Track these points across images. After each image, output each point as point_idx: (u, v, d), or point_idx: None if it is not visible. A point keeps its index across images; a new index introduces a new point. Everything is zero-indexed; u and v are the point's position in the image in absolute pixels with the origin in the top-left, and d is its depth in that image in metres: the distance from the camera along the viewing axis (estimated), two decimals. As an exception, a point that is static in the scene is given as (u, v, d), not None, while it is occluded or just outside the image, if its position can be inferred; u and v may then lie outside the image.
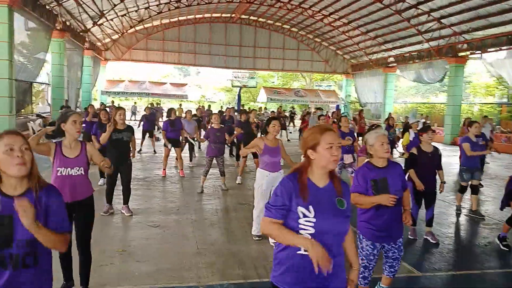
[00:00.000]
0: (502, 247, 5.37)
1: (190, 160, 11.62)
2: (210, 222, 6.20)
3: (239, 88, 32.44)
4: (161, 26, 28.75)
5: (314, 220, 1.99)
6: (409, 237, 5.63)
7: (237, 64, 30.99)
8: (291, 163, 5.34)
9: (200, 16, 29.04)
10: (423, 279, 4.42)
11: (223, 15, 29.21)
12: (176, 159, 10.25)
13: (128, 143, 6.32)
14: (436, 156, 5.37)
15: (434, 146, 5.43)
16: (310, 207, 2.00)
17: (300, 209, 2.01)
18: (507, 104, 21.41)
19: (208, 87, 50.73)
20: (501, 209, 5.53)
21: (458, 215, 7.08)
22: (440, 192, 5.57)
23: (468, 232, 6.43)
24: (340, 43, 29.60)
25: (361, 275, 3.40)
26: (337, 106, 30.19)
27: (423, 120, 11.98)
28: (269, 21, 29.98)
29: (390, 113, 18.05)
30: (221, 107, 29.10)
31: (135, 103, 33.67)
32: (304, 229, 1.99)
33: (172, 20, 28.56)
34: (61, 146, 3.61)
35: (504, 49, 18.01)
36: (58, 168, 3.56)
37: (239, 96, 28.86)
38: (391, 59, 26.28)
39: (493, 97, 26.62)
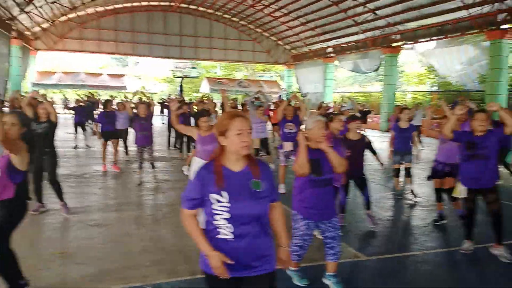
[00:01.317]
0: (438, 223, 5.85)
1: (126, 154, 11.24)
2: (154, 218, 6.00)
3: (180, 78, 31.79)
4: (96, 14, 27.31)
5: (228, 205, 2.06)
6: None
7: (178, 54, 30.27)
8: None
9: (138, 4, 27.97)
10: (369, 263, 4.55)
11: (162, 3, 28.34)
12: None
13: (46, 135, 5.89)
14: (362, 143, 5.55)
15: (362, 135, 5.61)
16: (224, 193, 2.06)
17: (213, 196, 2.08)
18: (437, 92, 22.79)
19: (148, 78, 49.23)
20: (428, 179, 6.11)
21: (398, 199, 7.40)
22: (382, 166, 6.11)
23: (408, 214, 6.71)
24: (281, 33, 29.85)
25: (294, 253, 3.66)
26: (280, 96, 30.52)
27: (350, 107, 12.39)
28: (209, 11, 29.52)
29: (321, 103, 18.58)
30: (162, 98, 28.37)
31: (63, 95, 31.77)
32: (219, 214, 2.07)
33: (107, 8, 27.23)
34: None
35: (434, 39, 19.03)
36: None
37: (181, 86, 28.33)
38: (330, 49, 26.92)
39: (424, 85, 28.22)
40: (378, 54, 22.96)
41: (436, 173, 5.88)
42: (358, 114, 7.25)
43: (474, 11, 16.01)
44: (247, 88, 31.50)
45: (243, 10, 27.69)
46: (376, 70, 24.42)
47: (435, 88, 24.47)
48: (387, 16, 20.21)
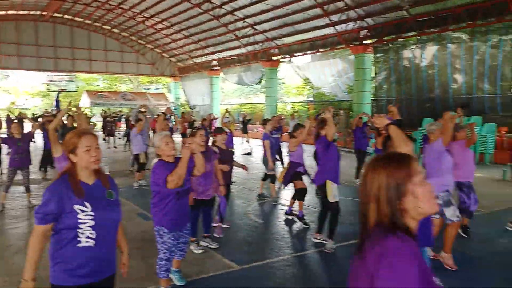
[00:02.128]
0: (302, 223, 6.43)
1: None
2: (16, 248, 5.43)
3: (57, 92, 29.45)
4: (-51, 22, 24.15)
5: (92, 213, 2.17)
6: (220, 224, 5.95)
7: (52, 67, 28.14)
8: None
9: (3, 13, 25.35)
10: (241, 272, 4.66)
11: (32, 12, 26.09)
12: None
13: None
14: (230, 153, 5.91)
15: (226, 145, 5.93)
16: (86, 203, 2.16)
17: (76, 207, 2.15)
18: (313, 102, 24.64)
19: (19, 92, 44.75)
20: (284, 186, 6.80)
21: (274, 205, 7.76)
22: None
23: (279, 219, 7.03)
24: (165, 45, 29.55)
25: (163, 268, 3.77)
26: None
27: (230, 119, 13.01)
28: (87, 21, 27.99)
29: (209, 114, 18.91)
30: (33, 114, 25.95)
31: None
32: (85, 223, 2.15)
33: (-36, 15, 24.26)
34: None
35: (308, 54, 20.54)
36: None
37: (57, 101, 26.17)
38: (215, 62, 27.39)
39: (302, 96, 30.24)
40: (259, 67, 24.00)
41: (297, 176, 6.49)
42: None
43: (340, 28, 17.67)
44: (131, 101, 30.47)
45: (124, 22, 26.83)
46: (259, 82, 25.49)
47: (311, 98, 26.39)
48: (265, 31, 21.27)
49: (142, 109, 10.77)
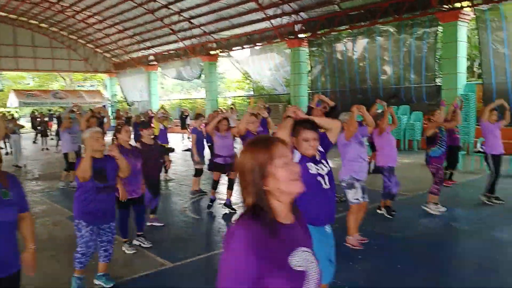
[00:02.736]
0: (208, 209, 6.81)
1: None
2: None
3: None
4: None
5: None
6: (152, 223, 5.97)
7: (-28, 65, 26.08)
8: None
9: None
10: (175, 269, 4.61)
11: None
12: None
13: None
14: (157, 148, 5.77)
15: (154, 140, 5.80)
16: None
17: None
18: (253, 96, 24.81)
19: None
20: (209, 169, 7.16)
21: (201, 199, 7.70)
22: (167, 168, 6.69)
23: (217, 214, 6.99)
24: (98, 41, 28.33)
25: (77, 260, 3.82)
26: (104, 106, 28.93)
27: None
28: (11, 16, 26.13)
29: (147, 111, 18.53)
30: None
31: None
32: None
33: None
34: None
35: (246, 48, 20.59)
36: None
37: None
38: (152, 57, 26.72)
39: (243, 90, 30.34)
40: (198, 61, 23.73)
41: (216, 167, 6.73)
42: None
43: (276, 22, 17.89)
44: (64, 99, 28.95)
45: (52, 16, 25.36)
46: (199, 77, 25.20)
47: (251, 92, 26.55)
48: (202, 25, 21.04)
49: (74, 108, 10.29)
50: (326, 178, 2.93)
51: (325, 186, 2.91)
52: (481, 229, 5.60)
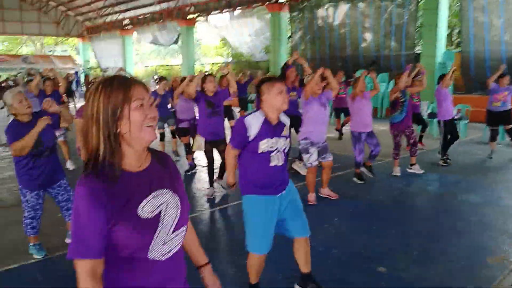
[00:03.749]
0: None
1: None
2: None
3: None
4: None
5: None
6: None
7: None
8: None
9: None
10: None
11: None
12: None
13: None
14: None
15: None
16: None
17: None
18: (231, 63, 24.27)
19: None
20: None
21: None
22: None
23: (192, 178, 6.89)
24: (71, 3, 27.07)
25: (29, 226, 3.70)
26: (76, 73, 27.96)
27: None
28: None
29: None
30: None
31: None
32: None
33: None
34: None
35: (225, 11, 19.96)
36: None
37: None
38: (127, 21, 25.75)
39: (221, 56, 29.67)
40: (175, 26, 22.98)
41: (184, 132, 6.96)
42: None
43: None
44: (34, 64, 27.74)
45: (19, -26, 24.01)
46: (176, 42, 24.47)
47: (230, 59, 25.99)
48: (179, -13, 20.26)
49: (50, 73, 9.75)
50: (281, 154, 2.75)
51: (275, 163, 2.72)
52: (454, 192, 5.65)
